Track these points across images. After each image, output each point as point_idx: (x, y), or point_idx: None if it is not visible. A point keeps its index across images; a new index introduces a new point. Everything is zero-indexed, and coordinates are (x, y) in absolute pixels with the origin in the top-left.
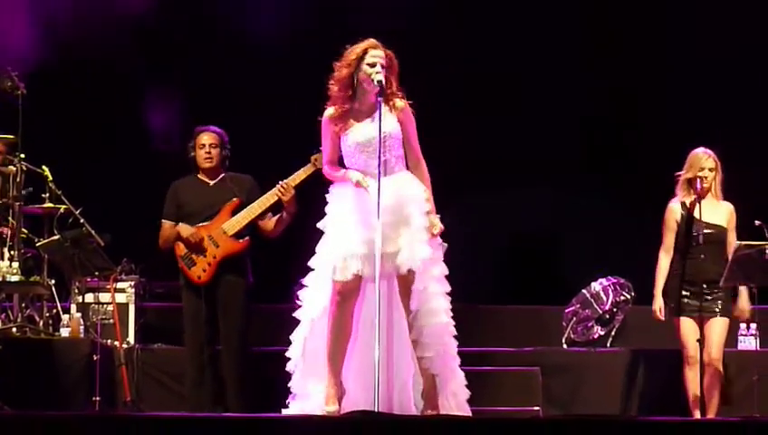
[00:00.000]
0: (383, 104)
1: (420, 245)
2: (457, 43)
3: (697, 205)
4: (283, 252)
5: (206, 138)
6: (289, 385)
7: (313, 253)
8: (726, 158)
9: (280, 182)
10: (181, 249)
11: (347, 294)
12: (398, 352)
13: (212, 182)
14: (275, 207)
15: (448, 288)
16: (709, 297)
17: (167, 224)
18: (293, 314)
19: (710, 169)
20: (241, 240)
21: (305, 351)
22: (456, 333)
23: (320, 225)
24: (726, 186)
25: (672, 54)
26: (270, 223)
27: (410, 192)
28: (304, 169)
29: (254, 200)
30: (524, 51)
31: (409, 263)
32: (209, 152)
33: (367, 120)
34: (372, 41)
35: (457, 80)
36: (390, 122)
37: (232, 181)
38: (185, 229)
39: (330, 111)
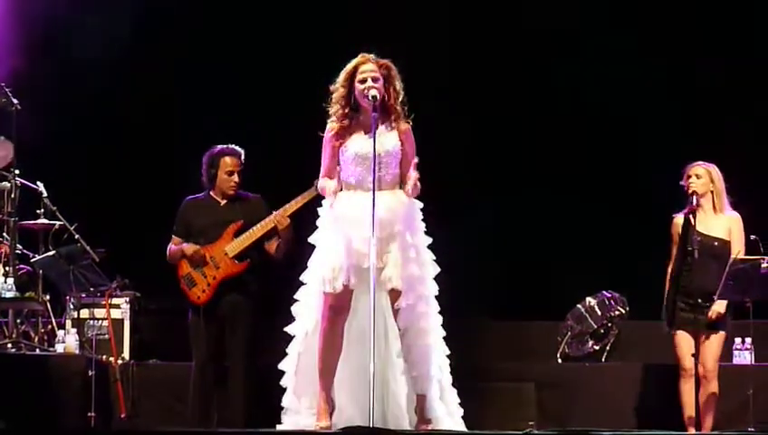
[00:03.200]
0: (385, 119)
1: (406, 264)
2: (454, 44)
3: (691, 217)
4: (284, 268)
5: (231, 162)
6: (282, 401)
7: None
8: (727, 169)
9: (274, 212)
10: (183, 269)
11: (338, 309)
12: (392, 366)
13: (223, 202)
14: (276, 232)
15: (437, 307)
16: (704, 310)
17: (176, 240)
18: (285, 329)
19: (697, 176)
20: (241, 262)
21: (298, 366)
22: (447, 351)
23: (311, 239)
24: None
25: (671, 62)
26: (272, 246)
27: (402, 210)
28: (305, 194)
29: (257, 222)
30: (523, 54)
31: (393, 281)
32: (237, 181)
33: (367, 135)
34: (363, 56)
35: (454, 88)
36: (392, 140)
37: (240, 201)
38: (188, 248)
39: (332, 124)
